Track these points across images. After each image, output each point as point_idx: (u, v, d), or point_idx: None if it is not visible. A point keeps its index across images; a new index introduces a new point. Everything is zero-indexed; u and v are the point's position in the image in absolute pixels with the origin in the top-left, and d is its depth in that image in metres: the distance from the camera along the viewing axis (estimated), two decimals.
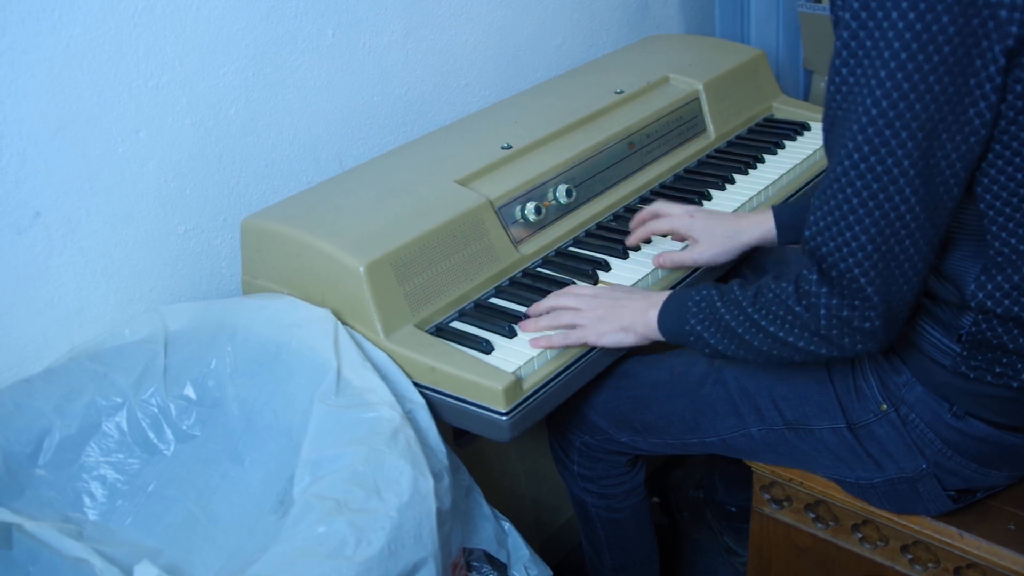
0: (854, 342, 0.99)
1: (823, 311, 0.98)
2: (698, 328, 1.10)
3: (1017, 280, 0.97)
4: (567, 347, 1.20)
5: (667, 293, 1.18)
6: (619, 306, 1.20)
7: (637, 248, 1.42)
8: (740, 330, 1.06)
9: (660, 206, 1.39)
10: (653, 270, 1.35)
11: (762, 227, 1.35)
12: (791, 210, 1.35)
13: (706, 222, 1.35)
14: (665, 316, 1.15)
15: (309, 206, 1.36)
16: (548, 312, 1.23)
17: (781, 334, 1.02)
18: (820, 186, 0.98)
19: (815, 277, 0.98)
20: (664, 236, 1.42)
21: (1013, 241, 0.96)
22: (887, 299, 0.95)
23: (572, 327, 1.21)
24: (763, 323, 1.04)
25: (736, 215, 1.39)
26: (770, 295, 1.04)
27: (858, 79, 0.90)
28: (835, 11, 0.94)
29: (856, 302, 0.96)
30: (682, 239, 1.40)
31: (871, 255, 0.93)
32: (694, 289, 1.13)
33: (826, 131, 0.98)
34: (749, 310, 1.05)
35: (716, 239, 1.34)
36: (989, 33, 0.86)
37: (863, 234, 0.93)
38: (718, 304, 1.08)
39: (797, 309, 1.00)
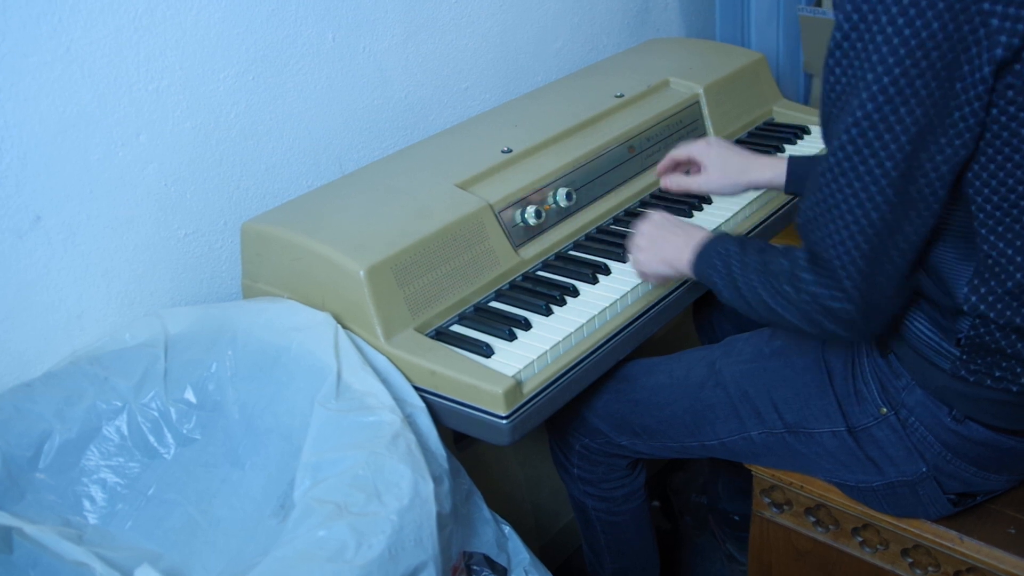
0: (835, 327, 1.01)
1: (806, 296, 1.01)
2: (715, 278, 1.15)
3: (1010, 286, 0.98)
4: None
5: (706, 234, 1.20)
6: (665, 237, 1.24)
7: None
8: (745, 291, 1.10)
9: (684, 143, 1.45)
10: None
11: (774, 170, 1.38)
12: (804, 162, 1.37)
13: (720, 151, 1.40)
14: (695, 259, 1.19)
15: (309, 210, 1.36)
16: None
17: (774, 305, 1.06)
18: (813, 175, 1.01)
19: (804, 262, 1.01)
20: (687, 166, 1.47)
21: (1001, 245, 0.97)
22: (864, 292, 0.97)
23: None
24: (762, 292, 1.07)
25: (753, 154, 1.42)
26: (774, 267, 1.06)
27: (849, 79, 0.92)
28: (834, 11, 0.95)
29: (836, 292, 0.99)
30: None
31: (851, 250, 0.96)
32: (727, 239, 1.16)
33: (823, 127, 1.01)
34: (754, 277, 1.08)
35: (726, 169, 1.39)
36: (979, 40, 0.87)
37: (844, 229, 0.96)
38: (734, 263, 1.11)
39: (786, 288, 1.03)
